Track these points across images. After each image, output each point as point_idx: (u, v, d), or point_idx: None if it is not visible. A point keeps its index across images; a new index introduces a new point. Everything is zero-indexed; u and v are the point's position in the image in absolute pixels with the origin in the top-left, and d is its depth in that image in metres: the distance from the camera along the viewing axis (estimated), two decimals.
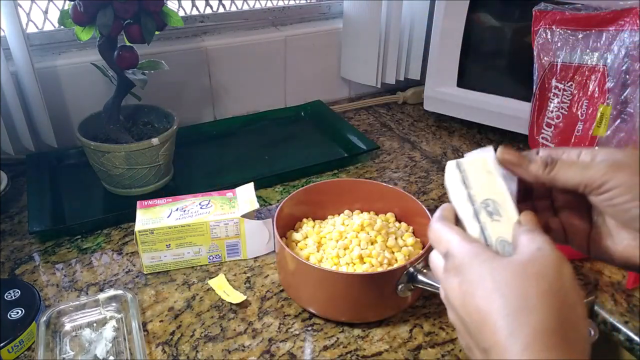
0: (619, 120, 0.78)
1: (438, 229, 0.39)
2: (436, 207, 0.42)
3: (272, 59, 1.08)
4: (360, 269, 0.61)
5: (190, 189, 0.75)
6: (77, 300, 0.60)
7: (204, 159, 0.94)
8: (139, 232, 0.65)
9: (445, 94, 1.02)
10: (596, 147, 0.37)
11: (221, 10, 1.05)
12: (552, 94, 0.84)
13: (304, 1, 1.12)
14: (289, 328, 0.61)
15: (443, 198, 0.85)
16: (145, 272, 0.69)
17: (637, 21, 0.74)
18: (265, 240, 0.71)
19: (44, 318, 0.57)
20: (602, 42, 0.78)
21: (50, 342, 0.56)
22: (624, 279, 0.68)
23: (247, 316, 0.63)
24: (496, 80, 0.99)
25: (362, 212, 0.71)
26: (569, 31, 0.81)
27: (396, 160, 0.96)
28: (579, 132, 0.82)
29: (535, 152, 0.39)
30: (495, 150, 0.41)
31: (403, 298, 0.60)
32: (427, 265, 0.57)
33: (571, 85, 0.82)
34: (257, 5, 1.09)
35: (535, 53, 0.85)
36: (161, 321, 0.62)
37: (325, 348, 0.59)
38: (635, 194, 0.36)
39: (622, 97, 0.77)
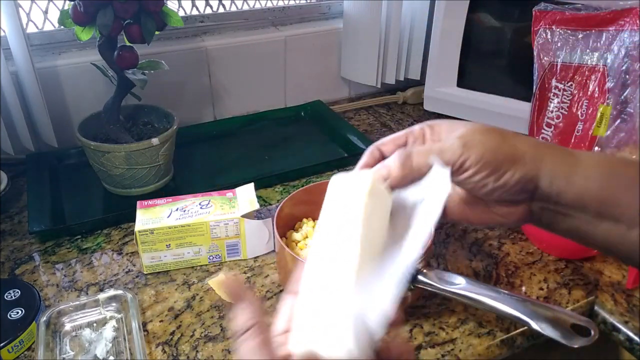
0: (619, 120, 0.78)
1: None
2: None
3: (272, 59, 1.08)
4: None
5: (190, 189, 0.75)
6: (77, 300, 0.60)
7: (204, 159, 0.94)
8: (139, 232, 0.65)
9: (445, 94, 1.02)
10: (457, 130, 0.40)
11: (221, 10, 1.05)
12: (552, 94, 0.84)
13: (304, 1, 1.12)
14: None
15: None
16: (145, 272, 0.69)
17: (637, 21, 0.74)
18: (265, 240, 0.71)
19: (44, 318, 0.57)
20: (602, 42, 0.78)
21: (50, 342, 0.56)
22: (624, 279, 0.68)
23: None
24: (496, 80, 0.99)
25: None
26: (569, 31, 0.81)
27: None
28: (579, 132, 0.82)
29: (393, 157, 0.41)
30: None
31: (403, 298, 0.59)
32: (427, 265, 0.57)
33: (571, 85, 0.82)
34: (257, 5, 1.09)
35: (535, 53, 0.85)
36: (161, 321, 0.62)
37: None
38: (490, 170, 0.38)
39: (622, 97, 0.77)
